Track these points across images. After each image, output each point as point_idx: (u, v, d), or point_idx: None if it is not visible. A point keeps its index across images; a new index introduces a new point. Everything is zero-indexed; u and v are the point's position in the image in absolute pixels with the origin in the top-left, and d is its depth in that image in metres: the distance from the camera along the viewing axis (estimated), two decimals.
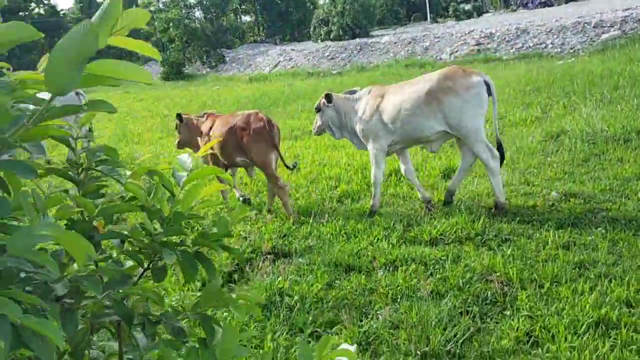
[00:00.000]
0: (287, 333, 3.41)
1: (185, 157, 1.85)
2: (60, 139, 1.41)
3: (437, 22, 56.61)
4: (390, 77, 16.85)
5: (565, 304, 3.39)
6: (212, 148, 5.40)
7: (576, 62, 14.08)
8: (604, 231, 4.38)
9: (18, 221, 1.29)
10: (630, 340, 3.01)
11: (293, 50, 26.62)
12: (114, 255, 1.67)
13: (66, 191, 1.66)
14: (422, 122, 4.89)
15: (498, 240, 4.43)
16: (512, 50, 17.63)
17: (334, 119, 5.49)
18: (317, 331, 3.44)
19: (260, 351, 3.12)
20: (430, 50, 19.97)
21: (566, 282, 3.65)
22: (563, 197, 5.15)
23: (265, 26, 58.32)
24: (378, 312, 3.55)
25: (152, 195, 1.67)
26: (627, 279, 3.60)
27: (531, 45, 17.44)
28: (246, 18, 56.93)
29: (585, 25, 16.97)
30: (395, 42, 21.51)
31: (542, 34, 17.71)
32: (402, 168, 5.46)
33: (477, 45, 18.84)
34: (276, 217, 5.51)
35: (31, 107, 1.14)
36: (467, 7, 64.22)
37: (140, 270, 1.68)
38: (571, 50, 16.16)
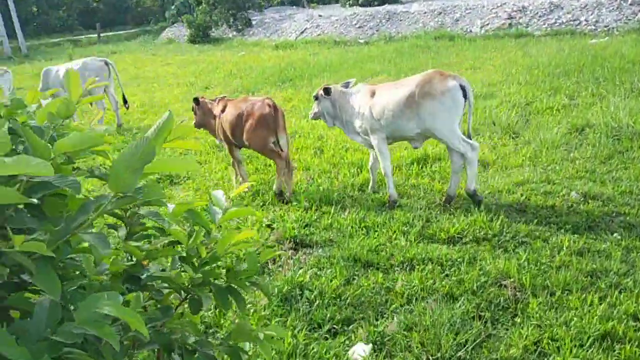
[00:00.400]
0: (306, 329, 3.62)
1: (220, 194, 2.02)
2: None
3: None
4: (418, 50, 16.67)
5: (574, 315, 3.53)
6: (224, 130, 6.01)
7: (610, 42, 13.73)
8: (619, 237, 4.46)
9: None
10: (634, 355, 3.16)
11: (320, 16, 26.27)
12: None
13: (115, 228, 1.85)
14: (404, 124, 5.24)
15: (515, 242, 4.55)
16: (544, 26, 17.19)
17: (329, 109, 5.88)
18: (334, 328, 3.65)
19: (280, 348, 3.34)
20: (461, 22, 19.56)
21: (577, 292, 3.78)
22: (582, 199, 5.21)
23: None
24: (393, 313, 3.74)
25: (192, 239, 1.84)
26: (637, 291, 3.71)
27: (564, 21, 16.97)
28: None
29: (622, 2, 16.41)
30: (425, 12, 21.09)
31: (576, 9, 17.20)
32: (370, 162, 5.97)
33: (508, 19, 18.39)
34: (299, 204, 5.69)
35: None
36: None
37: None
38: (605, 28, 15.70)
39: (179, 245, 1.77)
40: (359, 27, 22.24)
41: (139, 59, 24.89)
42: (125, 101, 10.69)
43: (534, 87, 9.84)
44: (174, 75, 17.79)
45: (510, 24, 18.16)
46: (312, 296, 3.95)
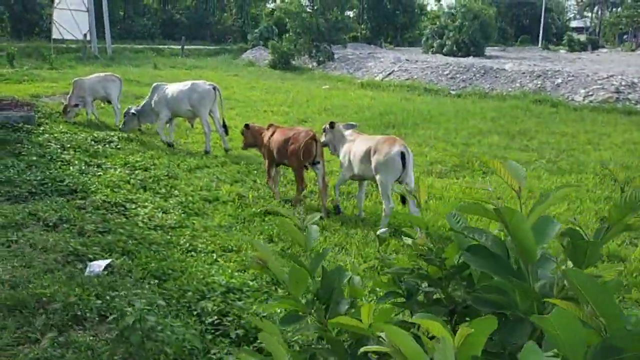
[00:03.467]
0: None
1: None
2: None
3: (548, 49, 54.28)
4: (519, 112, 16.01)
5: None
6: (270, 150, 7.50)
7: None
8: None
9: None
10: None
11: (407, 60, 26.01)
12: None
13: None
14: (364, 169, 6.58)
15: None
16: None
17: (332, 140, 7.27)
18: None
19: None
20: (562, 88, 18.83)
21: None
22: None
23: (369, 25, 57.86)
24: None
25: None
26: None
27: None
28: (348, 13, 56.59)
29: None
30: (524, 73, 20.45)
31: None
32: (358, 193, 7.31)
33: (616, 92, 17.56)
34: None
35: None
36: (581, 37, 61.11)
37: None
38: None
39: None
40: (451, 78, 21.78)
41: (223, 78, 25.06)
42: (224, 126, 10.52)
43: None
44: (265, 102, 17.64)
45: (617, 98, 17.32)
46: None
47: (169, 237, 5.87)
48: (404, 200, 6.66)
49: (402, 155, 6.09)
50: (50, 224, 5.80)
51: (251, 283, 4.65)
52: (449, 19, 34.42)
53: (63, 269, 4.58)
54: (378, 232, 5.35)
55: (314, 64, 31.15)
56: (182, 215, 6.77)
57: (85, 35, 32.13)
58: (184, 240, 5.78)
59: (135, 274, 4.63)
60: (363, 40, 52.44)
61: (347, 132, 7.04)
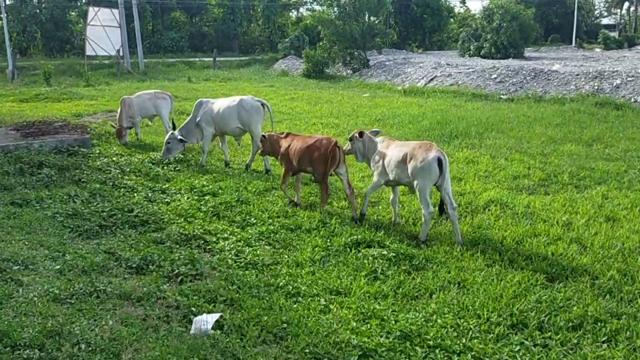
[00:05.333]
0: None
1: None
2: None
3: (582, 47, 52.73)
4: (583, 116, 15.05)
5: None
6: (289, 158, 7.61)
7: None
8: None
9: None
10: None
11: (449, 65, 25.16)
12: None
13: None
14: (399, 174, 6.59)
15: None
16: None
17: (361, 148, 7.29)
18: None
19: None
20: (622, 89, 17.77)
21: None
22: None
23: (396, 30, 57.03)
24: None
25: None
26: None
27: None
28: (372, 18, 55.82)
29: None
30: (578, 75, 19.44)
31: None
32: (391, 198, 7.21)
33: None
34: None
35: None
36: (614, 34, 59.25)
37: None
38: None
39: None
40: (500, 82, 20.86)
41: (259, 89, 24.54)
42: None
43: None
44: (310, 114, 17.01)
45: None
46: None
47: (265, 277, 5.21)
48: (441, 210, 6.83)
49: (439, 161, 6.16)
50: (134, 265, 5.19)
51: (383, 340, 3.95)
52: (485, 21, 33.40)
53: (166, 327, 3.95)
54: (421, 238, 6.22)
55: (349, 71, 30.49)
56: (268, 248, 6.12)
57: (118, 51, 32.07)
58: (282, 280, 5.11)
59: (249, 331, 3.96)
60: (391, 45, 51.64)
61: (378, 139, 7.16)
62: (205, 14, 52.61)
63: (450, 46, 59.86)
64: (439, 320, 4.40)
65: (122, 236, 6.20)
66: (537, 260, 5.73)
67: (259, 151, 8.63)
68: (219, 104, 10.09)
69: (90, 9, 32.33)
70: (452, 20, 61.87)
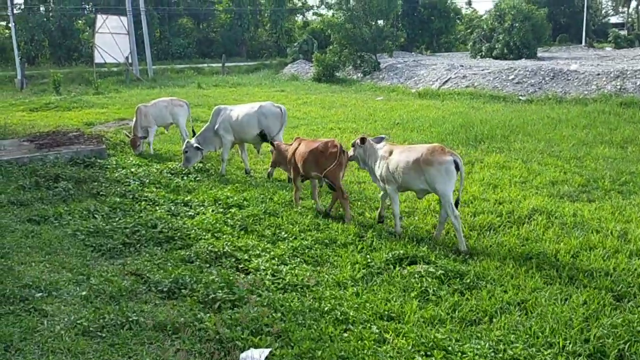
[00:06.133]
0: None
1: None
2: None
3: (593, 47, 52.08)
4: (610, 117, 14.55)
5: None
6: (295, 163, 7.50)
7: None
8: None
9: None
10: None
11: (462, 67, 24.69)
12: None
13: None
14: (410, 181, 6.36)
15: None
16: None
17: (362, 155, 7.09)
18: None
19: None
20: None
21: None
22: None
23: (403, 32, 56.55)
24: None
25: None
26: None
27: None
28: (380, 22, 55.44)
29: None
30: (599, 74, 18.94)
31: None
32: (382, 193, 7.07)
33: None
34: None
35: None
36: (623, 33, 58.56)
37: None
38: None
39: None
40: (517, 83, 20.37)
41: (270, 94, 24.19)
42: None
43: None
44: (326, 119, 16.60)
45: None
46: None
47: (307, 300, 4.78)
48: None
49: (455, 164, 6.02)
50: (164, 289, 4.77)
51: None
52: (496, 22, 32.88)
53: None
54: (460, 249, 6.05)
55: (359, 74, 30.05)
56: (303, 264, 5.70)
57: (127, 58, 31.81)
58: (327, 305, 4.67)
59: None
60: (398, 48, 51.14)
61: (379, 145, 6.96)
62: (213, 20, 52.37)
63: (458, 48, 59.37)
64: (508, 351, 3.95)
65: (147, 255, 5.79)
66: (599, 277, 5.27)
67: (270, 162, 8.59)
68: (238, 111, 9.70)
69: (99, 16, 32.10)
70: (458, 22, 61.39)
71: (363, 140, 7.06)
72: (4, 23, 44.94)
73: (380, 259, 5.81)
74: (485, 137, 12.45)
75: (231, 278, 4.97)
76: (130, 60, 32.14)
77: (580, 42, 56.12)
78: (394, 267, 5.66)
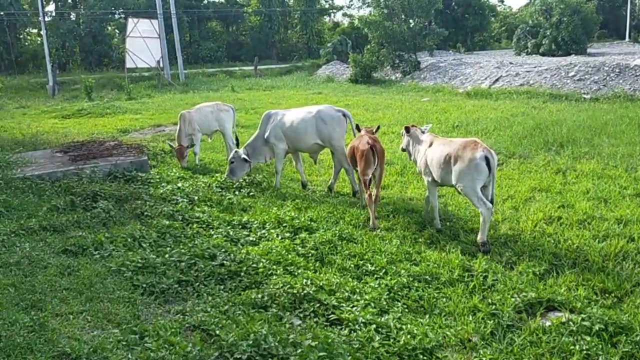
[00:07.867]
0: None
1: None
2: None
3: (638, 42, 49.62)
4: None
5: None
6: (356, 158, 7.02)
7: None
8: None
9: None
10: None
11: (512, 64, 23.14)
12: None
13: None
14: (444, 176, 6.17)
15: None
16: None
17: (409, 145, 6.99)
18: None
19: None
20: None
21: None
22: None
23: (444, 30, 54.92)
24: None
25: None
26: None
27: None
28: (422, 19, 53.73)
29: None
30: None
31: None
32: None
33: None
34: None
35: None
36: None
37: None
38: None
39: None
40: (579, 80, 18.77)
41: (308, 97, 23.07)
42: None
43: None
44: (377, 122, 15.24)
45: None
46: None
47: None
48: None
49: (487, 160, 5.74)
50: (244, 357, 3.57)
51: None
52: (541, 16, 31.12)
53: None
54: (478, 240, 5.79)
55: (398, 75, 28.72)
56: (407, 312, 4.45)
57: (158, 62, 31.08)
58: None
59: None
60: (435, 47, 49.53)
61: (424, 137, 6.73)
62: (242, 23, 51.61)
63: (493, 46, 57.53)
64: None
65: (209, 297, 4.63)
66: None
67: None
68: (292, 116, 8.50)
69: (130, 20, 31.47)
70: (493, 19, 59.54)
71: (407, 129, 6.96)
72: (35, 30, 44.96)
73: (506, 304, 4.51)
74: (565, 141, 11.00)
75: (330, 340, 3.74)
76: (161, 65, 31.39)
77: (622, 38, 53.67)
78: (528, 316, 4.37)
